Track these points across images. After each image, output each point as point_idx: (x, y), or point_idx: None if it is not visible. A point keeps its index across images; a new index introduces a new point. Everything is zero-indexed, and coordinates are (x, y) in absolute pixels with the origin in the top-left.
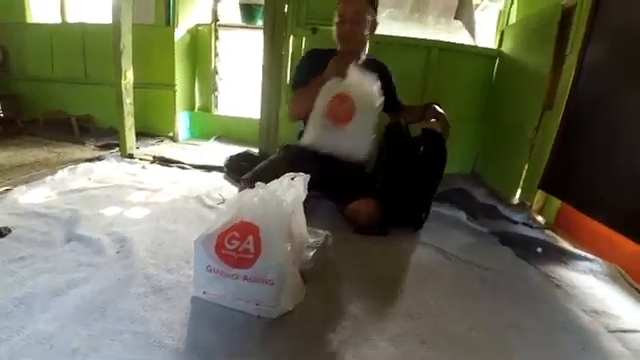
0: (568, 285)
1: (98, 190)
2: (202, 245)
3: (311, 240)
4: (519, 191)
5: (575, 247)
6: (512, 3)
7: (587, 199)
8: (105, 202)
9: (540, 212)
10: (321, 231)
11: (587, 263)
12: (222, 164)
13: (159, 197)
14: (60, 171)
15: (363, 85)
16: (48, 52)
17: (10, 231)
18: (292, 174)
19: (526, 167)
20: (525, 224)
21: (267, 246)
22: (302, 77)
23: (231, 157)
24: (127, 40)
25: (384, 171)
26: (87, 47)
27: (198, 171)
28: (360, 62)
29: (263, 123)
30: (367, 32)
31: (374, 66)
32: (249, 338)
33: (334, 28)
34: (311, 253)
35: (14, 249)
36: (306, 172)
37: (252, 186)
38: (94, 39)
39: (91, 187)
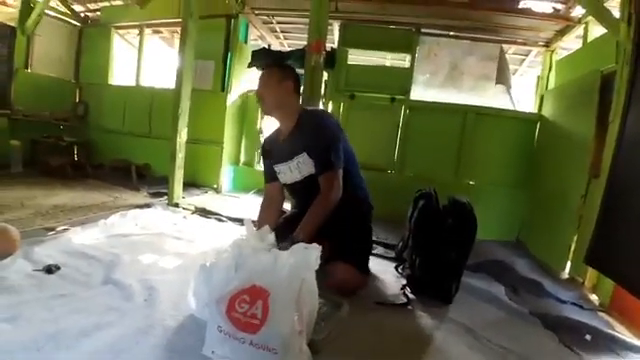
0: None
1: (141, 236)
2: (216, 305)
3: (325, 308)
4: (569, 265)
5: (632, 335)
6: (550, 69)
7: (637, 279)
8: (144, 249)
9: (593, 290)
10: (337, 299)
11: None
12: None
13: (192, 248)
14: (112, 215)
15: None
16: (122, 109)
17: (59, 269)
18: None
19: (575, 239)
20: (575, 304)
21: (274, 314)
22: (267, 173)
23: None
24: (185, 104)
25: (411, 241)
26: (154, 107)
27: (234, 224)
28: (292, 126)
29: None
30: (278, 93)
31: (305, 123)
32: None
33: None
34: (323, 322)
35: (58, 286)
36: None
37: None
38: (160, 101)
39: (136, 233)
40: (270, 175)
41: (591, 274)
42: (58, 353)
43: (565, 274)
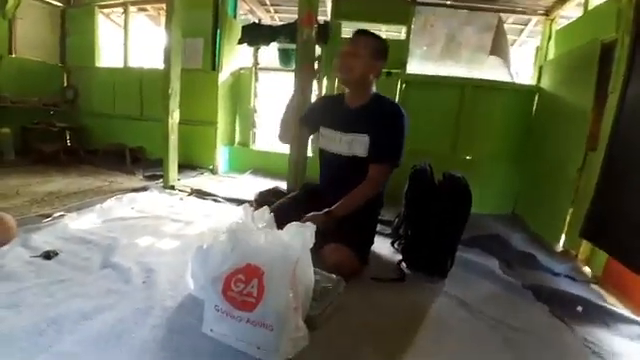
0: (609, 353)
1: (138, 220)
2: (212, 285)
3: (321, 285)
4: (563, 237)
5: (624, 307)
6: (550, 39)
7: (633, 252)
8: (141, 232)
9: (587, 262)
10: (333, 276)
11: (636, 327)
12: (252, 199)
13: (190, 229)
14: (108, 200)
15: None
16: (111, 91)
17: (57, 254)
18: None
19: (570, 211)
20: (568, 276)
21: (269, 291)
22: (305, 113)
23: (261, 192)
24: (175, 85)
25: (406, 216)
26: (144, 88)
27: (230, 204)
28: (360, 103)
29: (292, 160)
30: (368, 70)
31: (378, 107)
32: None
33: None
34: (319, 299)
35: (57, 272)
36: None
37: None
38: (150, 81)
39: (132, 216)
40: (310, 121)
41: (584, 247)
42: (61, 337)
43: (559, 247)
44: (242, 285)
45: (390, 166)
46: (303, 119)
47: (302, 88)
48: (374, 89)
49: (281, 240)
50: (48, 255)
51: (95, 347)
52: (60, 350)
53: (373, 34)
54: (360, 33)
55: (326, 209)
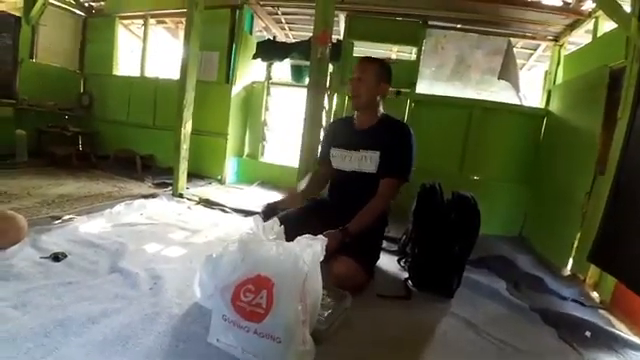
0: None
1: (146, 226)
2: (221, 294)
3: (328, 300)
4: (571, 261)
5: (632, 333)
6: (558, 64)
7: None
8: (149, 238)
9: (595, 287)
10: (340, 290)
11: None
12: (259, 210)
13: (197, 238)
14: (118, 205)
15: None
16: (126, 99)
17: (66, 257)
18: (309, 235)
19: (578, 236)
20: (575, 301)
21: (278, 303)
22: (322, 151)
23: (268, 204)
24: (190, 96)
25: (414, 235)
26: (158, 98)
27: (237, 215)
28: (370, 124)
29: (301, 173)
30: (374, 93)
31: (387, 127)
32: None
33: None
34: (326, 313)
35: (65, 274)
36: (314, 225)
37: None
38: (164, 91)
39: (141, 222)
40: (325, 154)
41: (592, 271)
42: (66, 339)
43: (567, 271)
44: (251, 295)
45: (400, 180)
46: (321, 159)
47: (312, 107)
48: (382, 109)
49: (292, 252)
50: (57, 257)
51: (101, 352)
52: (66, 353)
53: (375, 59)
54: (363, 60)
55: (341, 227)
